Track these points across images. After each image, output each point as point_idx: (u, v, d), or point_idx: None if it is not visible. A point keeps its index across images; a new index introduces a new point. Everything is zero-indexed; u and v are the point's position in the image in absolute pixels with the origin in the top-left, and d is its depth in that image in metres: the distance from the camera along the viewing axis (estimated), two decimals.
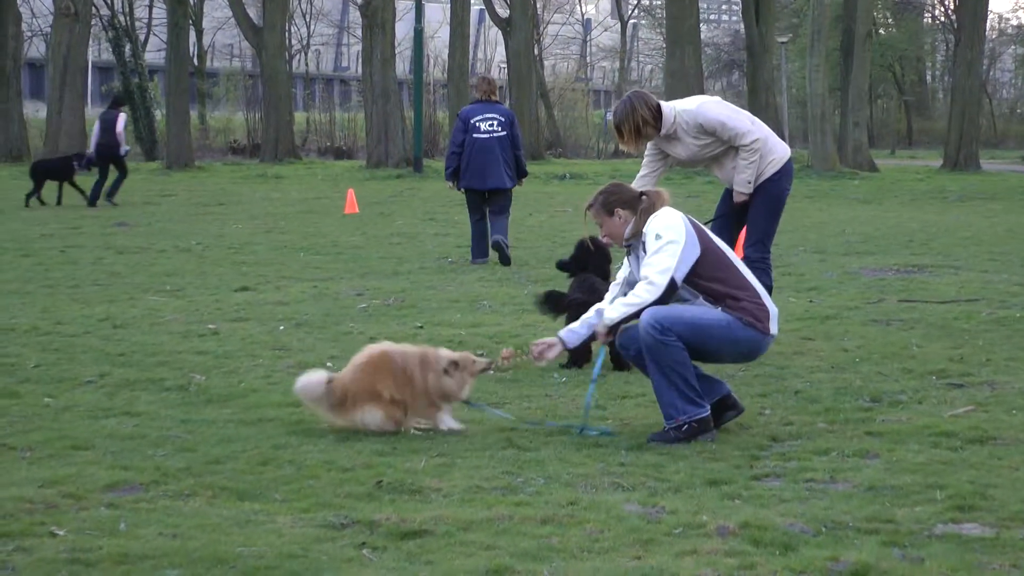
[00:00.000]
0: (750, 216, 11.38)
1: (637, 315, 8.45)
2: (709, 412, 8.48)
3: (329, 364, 11.02)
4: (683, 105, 11.15)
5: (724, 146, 11.14)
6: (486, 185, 18.59)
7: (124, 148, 30.77)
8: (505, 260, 18.41)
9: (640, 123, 10.86)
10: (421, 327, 12.88)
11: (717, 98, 11.53)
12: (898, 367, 10.75)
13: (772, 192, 11.33)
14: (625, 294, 8.71)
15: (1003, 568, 5.96)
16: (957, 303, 14.19)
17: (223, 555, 6.12)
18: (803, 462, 7.90)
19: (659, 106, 10.99)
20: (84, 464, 7.83)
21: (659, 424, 8.65)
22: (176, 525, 6.63)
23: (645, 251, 8.54)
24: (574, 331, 8.71)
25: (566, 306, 11.11)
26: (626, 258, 8.93)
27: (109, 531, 6.52)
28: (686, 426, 8.37)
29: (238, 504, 7.09)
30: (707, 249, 8.56)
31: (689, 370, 8.41)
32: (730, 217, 11.51)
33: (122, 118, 30.64)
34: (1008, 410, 9.13)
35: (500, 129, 18.57)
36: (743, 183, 11.20)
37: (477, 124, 18.53)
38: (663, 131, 11.01)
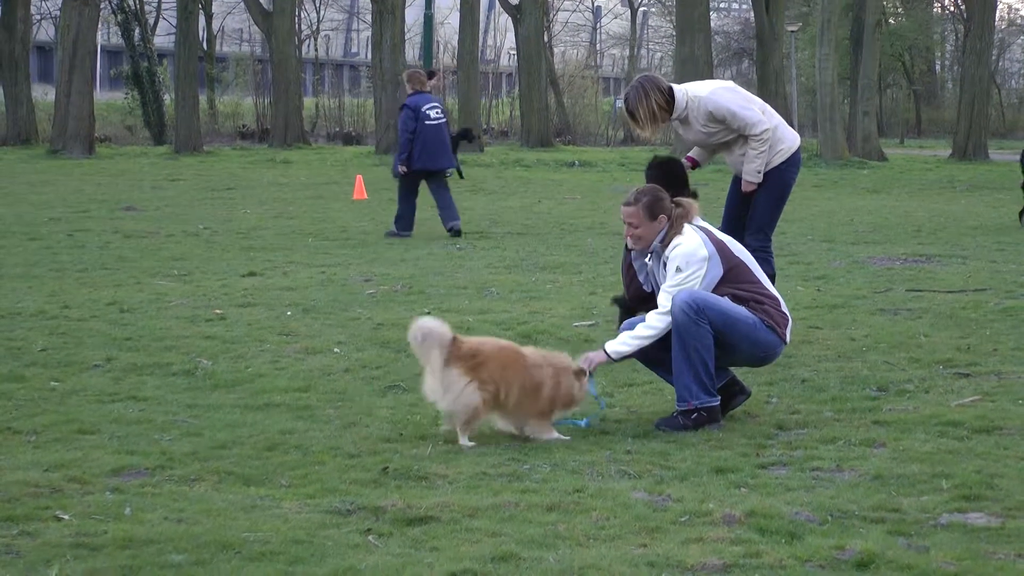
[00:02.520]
0: (755, 203, 11.34)
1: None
2: (719, 403, 8.49)
3: (336, 350, 11.04)
4: (695, 90, 11.09)
5: (734, 134, 11.10)
6: (439, 165, 20.40)
7: None
8: (458, 234, 20.41)
9: (655, 108, 10.81)
10: (429, 313, 12.84)
11: (730, 83, 11.46)
12: (905, 356, 10.74)
13: (778, 181, 11.29)
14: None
15: (1008, 557, 5.95)
16: (965, 293, 14.16)
17: (228, 540, 6.13)
18: (809, 451, 7.90)
19: (671, 89, 10.95)
20: (90, 448, 7.84)
21: (665, 411, 8.65)
22: (181, 510, 6.65)
23: (665, 271, 8.57)
24: (620, 352, 8.62)
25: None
26: (650, 257, 8.92)
27: (114, 515, 6.53)
28: (695, 413, 8.38)
29: (244, 489, 7.11)
30: (731, 267, 8.63)
31: (711, 358, 8.42)
32: (739, 205, 11.48)
33: None
34: (1015, 400, 9.12)
35: (442, 116, 20.65)
36: (752, 172, 11.17)
37: (427, 112, 20.24)
38: (675, 115, 10.98)
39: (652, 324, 8.49)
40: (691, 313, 8.33)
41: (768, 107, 11.40)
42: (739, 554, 5.99)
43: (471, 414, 8.12)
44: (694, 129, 11.10)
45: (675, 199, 8.81)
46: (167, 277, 15.48)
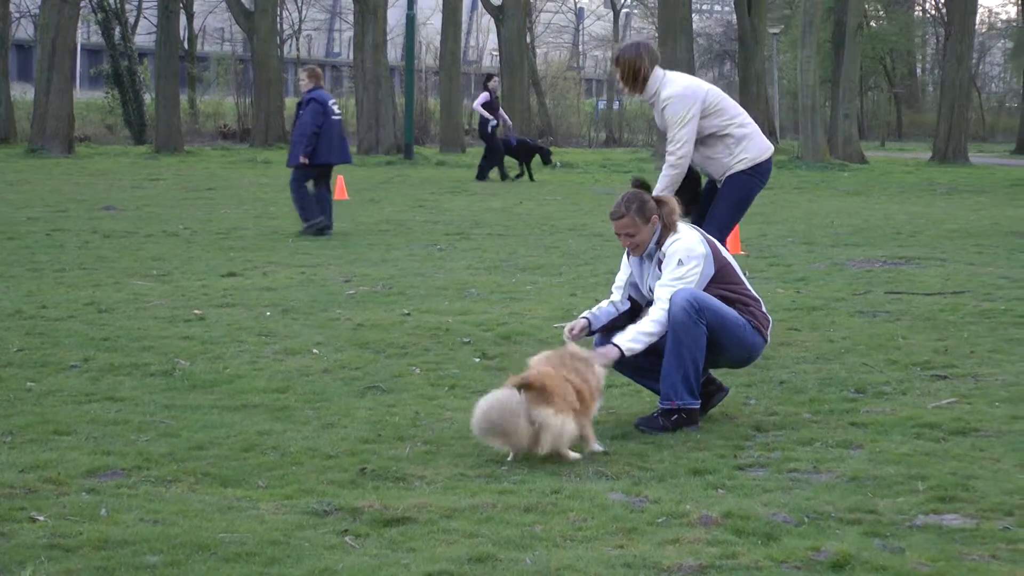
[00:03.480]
0: (714, 203, 11.29)
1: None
2: (699, 407, 8.51)
3: (315, 351, 11.03)
4: (670, 86, 11.03)
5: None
6: (343, 159, 21.21)
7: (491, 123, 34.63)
8: (322, 232, 20.52)
9: (639, 70, 10.83)
10: (408, 314, 12.88)
11: (704, 88, 11.29)
12: (883, 358, 10.77)
13: (741, 186, 11.19)
14: (630, 298, 8.89)
15: (982, 559, 5.97)
16: (943, 295, 14.20)
17: (204, 541, 6.11)
18: (787, 452, 7.92)
19: (658, 66, 10.93)
20: (66, 449, 7.81)
21: (641, 413, 8.65)
22: (157, 511, 6.62)
23: (661, 269, 8.58)
24: (632, 348, 8.55)
25: None
26: (626, 259, 8.94)
27: (90, 517, 6.50)
28: (676, 415, 8.39)
29: (221, 490, 7.08)
30: (721, 266, 8.68)
31: (702, 362, 8.45)
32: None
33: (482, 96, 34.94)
34: (991, 402, 9.15)
35: (340, 112, 21.31)
36: (659, 190, 10.94)
37: (332, 107, 20.87)
38: (645, 95, 10.98)
39: (658, 319, 8.45)
40: (692, 312, 8.34)
41: (745, 114, 11.34)
42: (715, 555, 5.99)
43: (571, 439, 7.79)
44: (656, 115, 11.15)
45: (656, 197, 8.83)
46: (146, 277, 15.44)
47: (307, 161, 20.39)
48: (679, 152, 10.93)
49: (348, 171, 35.21)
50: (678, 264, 8.51)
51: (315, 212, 20.56)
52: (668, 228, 8.69)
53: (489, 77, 36.35)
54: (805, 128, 42.85)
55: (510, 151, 34.99)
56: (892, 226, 22.81)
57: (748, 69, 51.11)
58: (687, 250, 8.54)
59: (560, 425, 7.61)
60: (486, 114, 34.48)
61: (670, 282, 8.49)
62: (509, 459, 7.72)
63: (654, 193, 10.28)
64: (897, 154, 54.97)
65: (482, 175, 34.50)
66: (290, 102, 61.23)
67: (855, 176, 38.60)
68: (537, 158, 35.57)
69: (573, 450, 7.80)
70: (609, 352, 8.41)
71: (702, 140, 11.12)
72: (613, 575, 5.77)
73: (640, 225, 8.66)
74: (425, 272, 16.12)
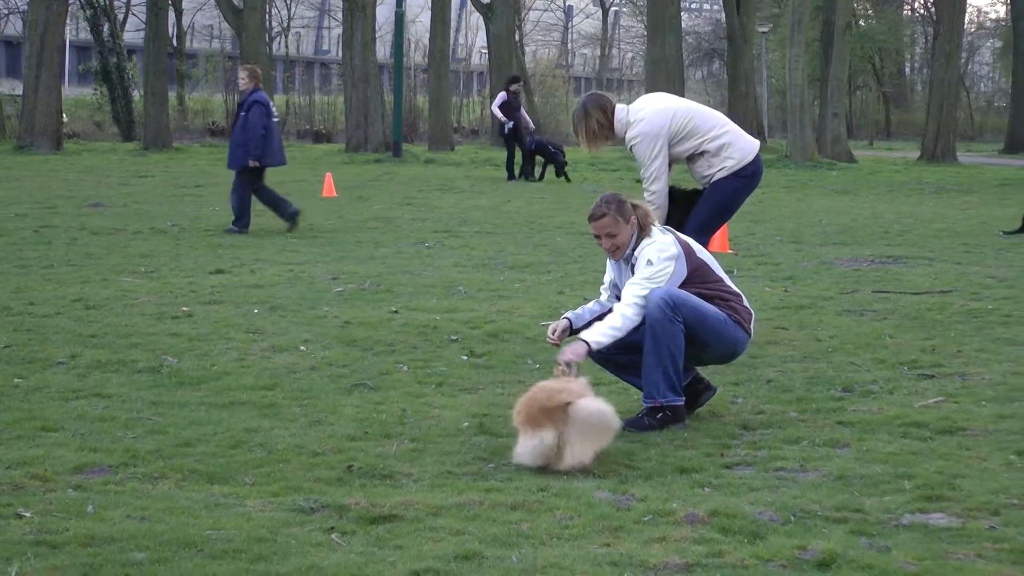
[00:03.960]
0: (699, 203, 11.33)
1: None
2: (684, 403, 8.52)
3: (303, 348, 11.03)
4: (634, 124, 11.01)
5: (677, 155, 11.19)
6: (281, 161, 21.07)
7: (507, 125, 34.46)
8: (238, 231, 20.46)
9: (595, 128, 10.95)
10: (396, 312, 12.87)
11: (671, 110, 11.15)
12: (870, 357, 10.78)
13: (724, 189, 11.22)
14: (618, 297, 8.84)
15: (968, 558, 5.98)
16: (931, 294, 14.22)
17: (191, 538, 6.11)
18: (774, 451, 7.93)
19: (614, 110, 11.00)
20: (52, 446, 7.80)
21: (631, 411, 8.65)
22: (144, 508, 6.62)
23: (634, 271, 8.59)
24: (599, 342, 8.55)
25: None
26: (609, 262, 8.96)
27: (76, 513, 6.50)
28: (661, 413, 8.40)
29: (207, 487, 7.09)
30: (697, 266, 8.68)
31: (681, 357, 8.45)
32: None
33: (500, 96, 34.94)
34: (977, 401, 9.16)
35: (277, 113, 21.19)
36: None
37: (273, 109, 20.79)
38: (616, 134, 11.04)
39: (625, 314, 8.46)
40: (667, 310, 8.35)
41: (722, 120, 11.30)
42: (702, 553, 6.00)
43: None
44: None
45: (631, 202, 8.84)
46: (134, 274, 15.43)
47: (257, 164, 20.37)
48: (653, 188, 11.16)
49: (336, 168, 35.24)
50: (647, 264, 8.53)
51: (249, 217, 20.61)
52: (643, 231, 8.70)
53: (512, 80, 36.20)
54: (793, 127, 42.84)
55: (531, 152, 34.75)
56: (880, 225, 22.84)
57: (736, 68, 51.09)
58: (658, 251, 8.56)
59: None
60: (501, 116, 34.36)
61: (639, 280, 8.51)
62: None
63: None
64: (885, 153, 54.97)
65: (510, 175, 34.46)
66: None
67: (843, 175, 38.63)
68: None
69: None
70: (577, 348, 8.40)
71: (681, 161, 11.21)
72: (599, 573, 5.77)
73: (621, 225, 8.68)
74: (413, 270, 16.12)
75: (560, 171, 34.12)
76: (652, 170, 11.05)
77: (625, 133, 11.01)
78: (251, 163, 20.33)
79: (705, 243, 11.14)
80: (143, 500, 6.77)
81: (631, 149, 11.08)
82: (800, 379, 9.94)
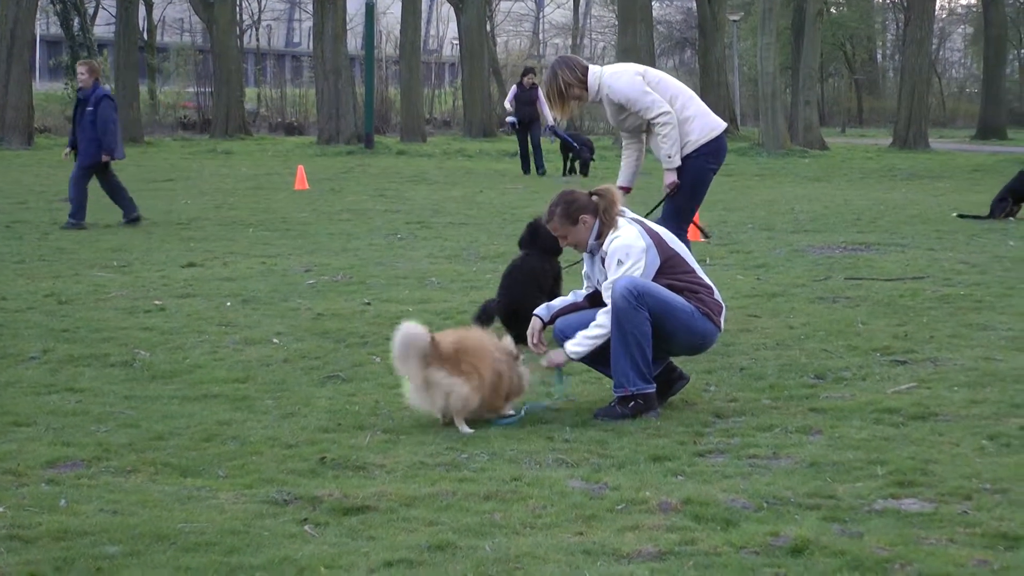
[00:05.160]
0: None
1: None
2: (655, 391, 8.52)
3: (276, 340, 11.01)
4: (605, 73, 11.10)
5: (643, 119, 11.12)
6: (121, 155, 20.80)
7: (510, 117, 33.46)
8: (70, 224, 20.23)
9: (562, 87, 10.92)
10: (369, 303, 12.87)
11: (639, 69, 11.32)
12: (843, 344, 10.81)
13: (689, 170, 11.21)
14: (594, 293, 8.86)
15: (940, 542, 6.00)
16: (903, 281, 14.26)
17: (164, 531, 6.10)
18: (747, 438, 7.94)
19: (587, 69, 11.00)
20: (25, 440, 7.79)
21: (604, 401, 8.67)
22: (117, 501, 6.61)
23: (605, 269, 8.60)
24: (578, 352, 8.61)
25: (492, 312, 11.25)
26: (585, 256, 8.97)
27: (49, 507, 6.49)
28: (633, 401, 8.40)
29: (180, 480, 7.08)
30: (668, 256, 8.67)
31: (648, 346, 8.44)
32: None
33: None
34: (950, 386, 9.19)
35: None
36: (664, 159, 11.13)
37: (115, 104, 20.85)
38: (590, 97, 11.02)
39: (602, 323, 8.51)
40: (631, 299, 8.36)
41: (687, 94, 11.29)
42: (674, 541, 6.01)
43: (464, 403, 8.14)
44: (608, 112, 11.20)
45: (595, 190, 8.84)
46: (106, 268, 15.39)
47: (108, 158, 20.28)
48: (657, 111, 11.04)
49: (308, 161, 35.17)
50: (618, 264, 8.54)
51: (86, 210, 20.37)
52: (607, 224, 8.69)
53: (525, 72, 35.40)
54: (766, 115, 42.89)
55: (564, 148, 33.55)
56: (852, 212, 22.89)
57: (708, 57, 51.23)
58: (626, 248, 8.55)
59: (449, 386, 8.08)
60: (508, 108, 33.52)
61: (613, 283, 8.52)
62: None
63: (663, 156, 10.78)
64: (858, 140, 55.13)
65: (539, 168, 33.07)
66: (250, 92, 61.22)
67: (816, 162, 38.71)
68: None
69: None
70: (555, 357, 8.66)
71: (648, 129, 11.15)
72: (572, 562, 5.78)
73: (568, 227, 8.75)
74: (386, 261, 16.10)
75: (585, 168, 32.63)
76: (648, 99, 10.98)
77: (601, 87, 10.97)
78: (104, 157, 20.26)
79: (685, 229, 11.19)
80: (116, 494, 6.76)
81: (608, 96, 10.99)
82: (773, 367, 9.95)
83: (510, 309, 11.01)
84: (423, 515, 6.43)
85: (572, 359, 8.60)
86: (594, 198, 8.77)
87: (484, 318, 11.17)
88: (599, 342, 8.51)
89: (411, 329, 8.12)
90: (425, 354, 8.08)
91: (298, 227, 20.19)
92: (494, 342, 8.52)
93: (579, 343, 8.54)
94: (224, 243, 18.00)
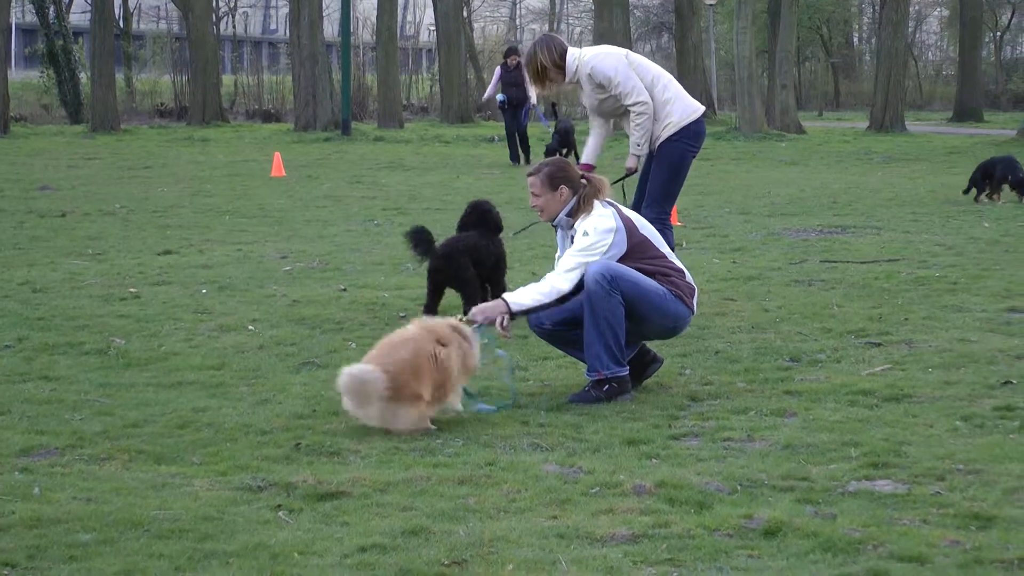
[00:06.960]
0: (650, 175, 11.37)
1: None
2: (628, 374, 8.53)
3: (251, 327, 11.00)
4: (587, 54, 11.15)
5: (621, 103, 11.15)
6: None
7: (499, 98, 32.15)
8: None
9: (539, 68, 11.04)
10: (345, 290, 12.86)
11: (623, 51, 11.39)
12: (818, 327, 10.83)
13: (669, 153, 11.25)
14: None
15: (913, 523, 6.02)
16: (878, 263, 14.29)
17: (138, 519, 6.10)
18: (721, 421, 7.96)
19: (565, 52, 11.03)
20: None
21: (579, 385, 8.68)
22: (91, 489, 6.61)
23: (572, 243, 8.62)
24: (520, 303, 8.57)
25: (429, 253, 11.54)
26: (558, 235, 8.99)
27: (22, 495, 6.49)
28: (607, 385, 8.41)
29: (155, 467, 7.08)
30: (639, 241, 8.67)
31: (621, 330, 8.45)
32: (645, 177, 11.52)
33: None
34: (924, 368, 9.23)
35: None
36: (633, 145, 11.19)
37: None
38: (567, 79, 11.05)
39: (555, 284, 8.50)
40: (604, 284, 8.37)
41: (666, 78, 11.34)
42: (648, 524, 6.02)
43: (418, 424, 7.83)
44: (586, 93, 11.24)
45: (585, 176, 8.86)
46: (81, 256, 15.35)
47: None
48: (636, 98, 11.09)
49: (285, 148, 35.12)
50: (583, 235, 8.56)
51: None
52: (584, 205, 8.70)
53: (508, 52, 34.76)
54: (742, 99, 42.89)
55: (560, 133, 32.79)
56: (829, 195, 22.93)
57: (685, 41, 51.22)
58: (595, 225, 8.57)
59: (412, 420, 7.77)
60: (490, 91, 32.73)
61: (575, 252, 8.55)
62: None
63: (632, 142, 10.92)
64: (835, 124, 55.13)
65: (525, 154, 31.63)
66: (227, 80, 61.07)
67: (792, 146, 38.74)
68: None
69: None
70: (497, 306, 8.51)
71: (624, 113, 11.19)
72: (546, 546, 5.79)
73: (544, 190, 8.77)
74: (362, 248, 16.09)
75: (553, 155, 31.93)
76: (628, 84, 11.04)
77: (580, 69, 11.00)
78: None
79: (668, 211, 11.26)
80: (90, 482, 6.76)
81: (589, 76, 11.03)
82: (748, 349, 9.98)
83: (438, 265, 11.40)
84: (397, 500, 6.44)
85: (513, 311, 8.46)
86: (583, 180, 8.80)
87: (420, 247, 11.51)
88: (545, 300, 8.50)
89: (364, 374, 7.71)
90: (380, 396, 7.72)
91: (274, 214, 20.15)
92: (434, 331, 8.07)
93: (524, 296, 8.52)
94: (200, 230, 17.96)
